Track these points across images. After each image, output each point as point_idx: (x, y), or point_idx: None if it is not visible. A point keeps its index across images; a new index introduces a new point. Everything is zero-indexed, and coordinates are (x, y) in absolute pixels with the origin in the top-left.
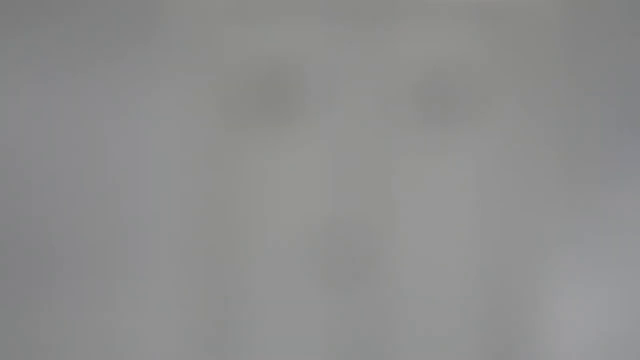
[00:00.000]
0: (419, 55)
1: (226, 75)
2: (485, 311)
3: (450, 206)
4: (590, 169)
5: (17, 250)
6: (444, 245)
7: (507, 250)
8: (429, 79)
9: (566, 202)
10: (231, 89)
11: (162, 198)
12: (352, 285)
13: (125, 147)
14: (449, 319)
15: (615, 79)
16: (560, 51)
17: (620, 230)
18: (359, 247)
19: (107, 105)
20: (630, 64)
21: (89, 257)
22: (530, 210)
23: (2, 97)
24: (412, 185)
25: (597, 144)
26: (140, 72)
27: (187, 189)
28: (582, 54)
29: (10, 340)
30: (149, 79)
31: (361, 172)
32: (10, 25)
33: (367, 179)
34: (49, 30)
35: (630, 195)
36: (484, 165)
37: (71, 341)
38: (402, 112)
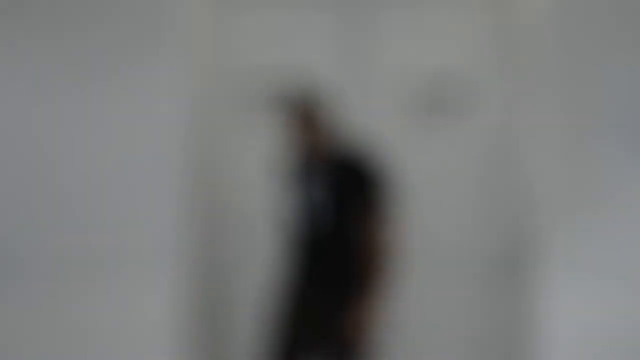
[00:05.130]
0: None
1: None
2: (475, 296)
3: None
4: (588, 165)
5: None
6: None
7: (503, 234)
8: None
9: (564, 193)
10: None
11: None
12: None
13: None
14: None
15: (608, 75)
16: (554, 46)
17: (618, 222)
18: None
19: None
20: (618, 62)
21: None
22: (528, 199)
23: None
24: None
25: (596, 139)
26: None
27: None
28: (575, 50)
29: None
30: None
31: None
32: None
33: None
34: (49, 38)
35: (629, 187)
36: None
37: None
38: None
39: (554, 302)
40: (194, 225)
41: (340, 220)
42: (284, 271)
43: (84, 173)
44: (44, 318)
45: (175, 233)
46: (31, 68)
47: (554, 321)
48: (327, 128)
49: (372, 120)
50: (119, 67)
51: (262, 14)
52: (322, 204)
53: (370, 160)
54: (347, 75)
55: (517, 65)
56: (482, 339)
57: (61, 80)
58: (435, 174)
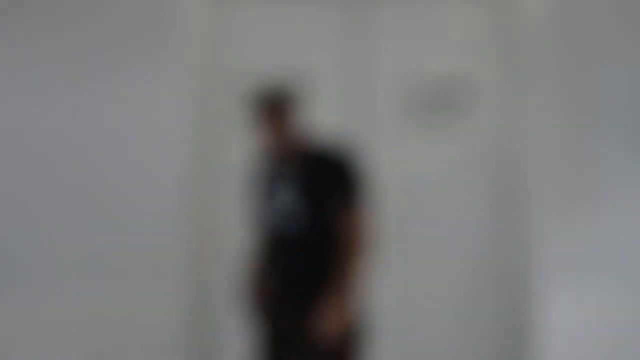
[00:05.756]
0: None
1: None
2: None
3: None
4: (588, 165)
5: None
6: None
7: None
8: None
9: (563, 193)
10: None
11: None
12: None
13: None
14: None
15: (608, 75)
16: (554, 46)
17: (617, 222)
18: None
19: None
20: (607, 64)
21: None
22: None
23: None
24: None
25: (595, 139)
26: None
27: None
28: (575, 50)
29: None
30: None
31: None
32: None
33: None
34: (55, 38)
35: (629, 187)
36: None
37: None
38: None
39: (551, 302)
40: (195, 224)
41: (317, 215)
42: (263, 273)
43: (85, 173)
44: (45, 318)
45: (177, 232)
46: (33, 68)
47: (551, 320)
48: (298, 124)
49: (372, 119)
50: (120, 67)
51: (262, 13)
52: (296, 200)
53: (345, 152)
54: (347, 74)
55: (517, 65)
56: (479, 339)
57: (62, 81)
58: (434, 174)
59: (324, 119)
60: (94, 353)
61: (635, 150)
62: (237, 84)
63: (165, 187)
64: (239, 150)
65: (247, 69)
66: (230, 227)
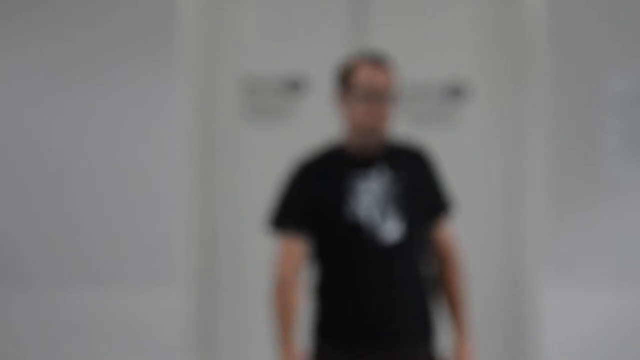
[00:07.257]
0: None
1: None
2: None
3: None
4: (587, 165)
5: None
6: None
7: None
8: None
9: (562, 194)
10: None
11: None
12: None
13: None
14: None
15: (608, 75)
16: (554, 46)
17: (616, 224)
18: None
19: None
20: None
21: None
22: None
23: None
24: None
25: (595, 140)
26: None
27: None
28: (575, 50)
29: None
30: None
31: None
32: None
33: None
34: (66, 45)
35: (628, 188)
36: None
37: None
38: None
39: (549, 302)
40: (197, 224)
41: (419, 220)
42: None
43: (86, 173)
44: (46, 319)
45: (178, 233)
46: (36, 70)
47: (549, 319)
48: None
49: None
50: (119, 67)
51: (262, 13)
52: (397, 200)
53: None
54: None
55: (517, 66)
56: (476, 338)
57: (60, 81)
58: None
59: (323, 119)
60: (96, 354)
61: (636, 152)
62: (237, 84)
63: (166, 186)
64: (240, 149)
65: (247, 69)
66: (231, 228)
